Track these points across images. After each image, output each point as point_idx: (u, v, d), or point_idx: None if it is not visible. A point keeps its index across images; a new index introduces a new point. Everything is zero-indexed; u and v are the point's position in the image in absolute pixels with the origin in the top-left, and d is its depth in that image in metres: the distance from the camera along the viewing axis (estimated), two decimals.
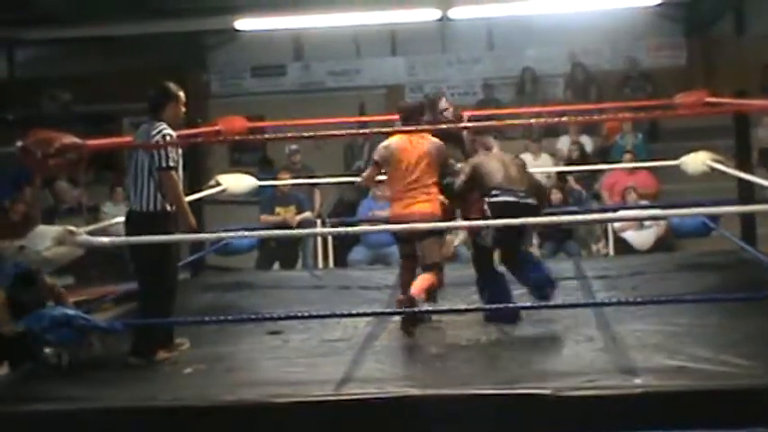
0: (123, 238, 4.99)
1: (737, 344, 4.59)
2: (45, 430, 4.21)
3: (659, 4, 11.87)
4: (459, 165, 5.71)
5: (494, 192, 5.42)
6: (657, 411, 3.99)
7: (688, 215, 7.11)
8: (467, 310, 5.62)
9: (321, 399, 4.17)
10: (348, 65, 14.03)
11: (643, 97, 11.52)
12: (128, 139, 5.59)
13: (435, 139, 5.45)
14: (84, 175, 11.29)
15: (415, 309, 4.99)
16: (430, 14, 11.44)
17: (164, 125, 5.01)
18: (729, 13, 13.41)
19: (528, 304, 5.71)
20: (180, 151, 5.07)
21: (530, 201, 5.44)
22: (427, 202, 5.29)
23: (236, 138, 7.58)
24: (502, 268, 5.64)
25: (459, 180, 5.61)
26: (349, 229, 4.79)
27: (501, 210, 5.29)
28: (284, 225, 9.07)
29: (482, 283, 5.64)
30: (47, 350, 4.79)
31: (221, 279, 7.40)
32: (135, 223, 4.98)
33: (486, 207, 5.39)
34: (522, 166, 5.75)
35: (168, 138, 4.95)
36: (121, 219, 5.33)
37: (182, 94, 5.18)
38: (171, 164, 4.92)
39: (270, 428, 4.18)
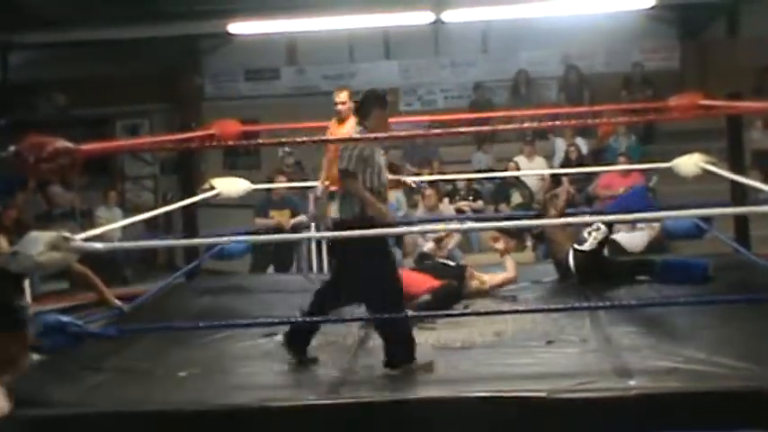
0: (117, 244, 4.95)
1: (731, 345, 4.60)
2: None
3: (653, 7, 11.91)
4: None
5: None
6: (651, 413, 4.00)
7: (681, 217, 7.10)
8: (461, 315, 5.63)
9: (316, 402, 4.17)
10: (342, 68, 14.01)
11: (641, 100, 11.53)
12: (121, 142, 5.53)
13: None
14: (77, 179, 11.26)
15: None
16: (423, 17, 11.45)
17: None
18: (722, 16, 13.44)
19: (522, 308, 5.73)
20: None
21: None
22: None
23: (230, 142, 7.55)
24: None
25: None
26: (344, 233, 4.77)
27: None
28: (279, 228, 9.07)
29: None
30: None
31: (216, 283, 7.38)
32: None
33: None
34: None
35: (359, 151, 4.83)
36: (115, 224, 5.29)
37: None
38: (350, 168, 4.81)
39: None
